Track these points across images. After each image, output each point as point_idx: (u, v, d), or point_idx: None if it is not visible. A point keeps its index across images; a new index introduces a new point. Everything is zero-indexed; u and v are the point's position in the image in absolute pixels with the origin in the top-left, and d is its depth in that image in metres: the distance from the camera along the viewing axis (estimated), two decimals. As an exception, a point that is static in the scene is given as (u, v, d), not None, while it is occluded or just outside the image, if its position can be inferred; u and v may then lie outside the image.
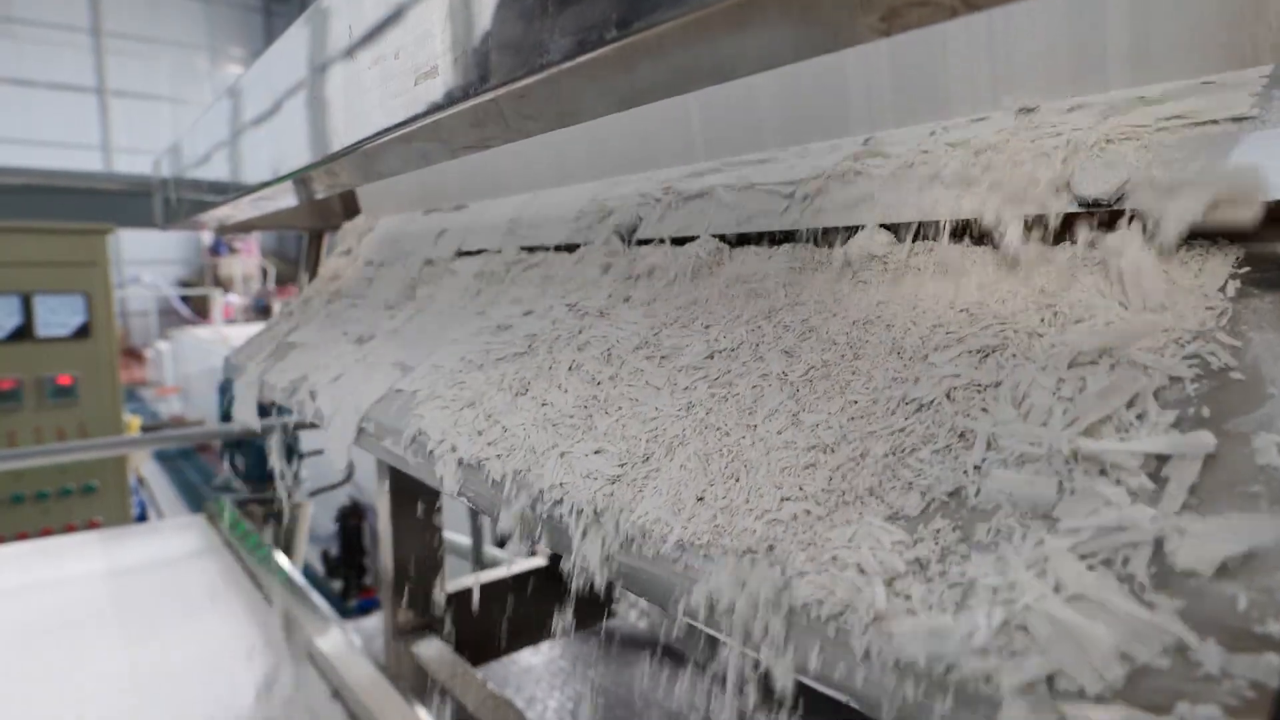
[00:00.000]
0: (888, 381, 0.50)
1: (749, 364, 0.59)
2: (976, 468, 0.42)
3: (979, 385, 0.46)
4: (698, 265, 0.74)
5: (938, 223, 0.56)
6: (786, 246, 0.68)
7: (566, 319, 0.82)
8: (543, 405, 0.67)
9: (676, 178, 0.84)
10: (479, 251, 1.15)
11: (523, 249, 1.04)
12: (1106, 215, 0.48)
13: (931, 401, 0.47)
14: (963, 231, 0.56)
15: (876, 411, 0.49)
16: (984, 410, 0.44)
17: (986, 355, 0.48)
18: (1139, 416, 0.39)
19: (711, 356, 0.62)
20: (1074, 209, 0.49)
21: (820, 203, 0.65)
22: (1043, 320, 0.47)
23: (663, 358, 0.66)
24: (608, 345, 0.72)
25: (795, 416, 0.52)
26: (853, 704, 0.38)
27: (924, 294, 0.55)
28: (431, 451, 0.75)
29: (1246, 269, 0.43)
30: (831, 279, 0.62)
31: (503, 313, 0.93)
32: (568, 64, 0.43)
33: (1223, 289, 0.43)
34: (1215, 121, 0.44)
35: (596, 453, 0.58)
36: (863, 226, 0.62)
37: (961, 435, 0.44)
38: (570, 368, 0.71)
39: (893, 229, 0.60)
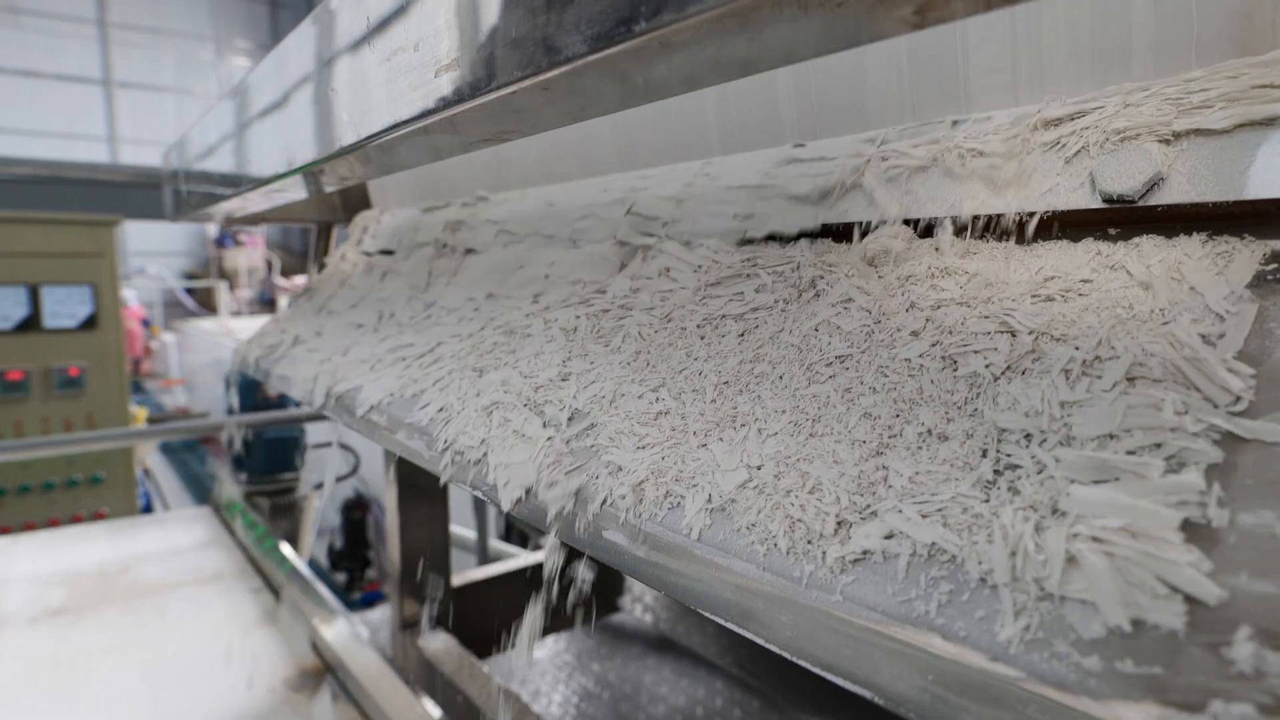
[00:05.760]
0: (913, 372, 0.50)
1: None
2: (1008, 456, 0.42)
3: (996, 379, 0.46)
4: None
5: (959, 219, 0.56)
6: (804, 242, 0.68)
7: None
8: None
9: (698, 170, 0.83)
10: (490, 243, 1.15)
11: (539, 241, 1.04)
12: (1132, 212, 0.48)
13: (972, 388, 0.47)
14: (986, 227, 0.55)
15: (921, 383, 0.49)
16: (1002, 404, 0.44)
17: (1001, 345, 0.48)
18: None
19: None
20: (1098, 205, 0.49)
21: (840, 198, 0.65)
22: (1066, 316, 0.47)
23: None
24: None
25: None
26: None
27: (939, 289, 0.55)
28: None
29: (1273, 265, 0.43)
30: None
31: (516, 305, 0.93)
32: (591, 57, 0.43)
33: (1249, 285, 0.42)
34: (1246, 109, 0.43)
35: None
36: (881, 222, 0.61)
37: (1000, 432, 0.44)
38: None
39: (912, 224, 0.60)
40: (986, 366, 0.46)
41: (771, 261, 0.68)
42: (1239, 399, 0.38)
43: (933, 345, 0.50)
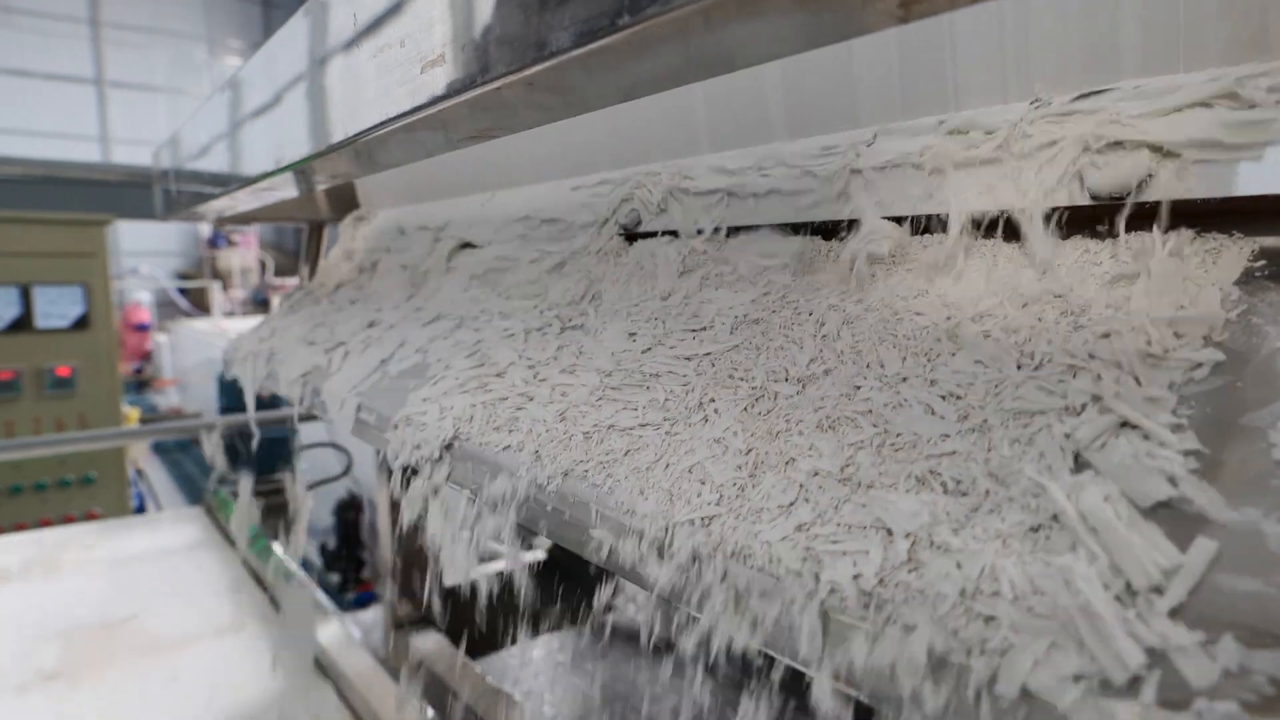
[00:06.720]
0: (898, 371, 0.50)
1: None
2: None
3: (987, 380, 0.46)
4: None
5: (948, 216, 0.56)
6: (796, 238, 0.67)
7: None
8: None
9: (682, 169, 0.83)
10: (483, 244, 1.15)
11: (527, 241, 1.04)
12: (1122, 209, 0.48)
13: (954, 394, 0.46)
14: (973, 225, 0.55)
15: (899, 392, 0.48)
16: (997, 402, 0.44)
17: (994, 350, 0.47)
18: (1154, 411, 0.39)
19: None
20: (1086, 203, 0.48)
21: (826, 195, 0.64)
22: (1060, 313, 0.47)
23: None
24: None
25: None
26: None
27: (931, 288, 0.55)
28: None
29: (1261, 262, 0.43)
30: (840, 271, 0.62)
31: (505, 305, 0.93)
32: (576, 52, 0.43)
33: (1237, 282, 0.42)
34: (1239, 111, 0.43)
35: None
36: (863, 220, 0.61)
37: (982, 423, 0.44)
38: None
39: (900, 222, 0.60)
40: (855, 578, 0.39)
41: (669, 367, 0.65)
42: (1136, 679, 0.30)
43: (798, 529, 0.43)
